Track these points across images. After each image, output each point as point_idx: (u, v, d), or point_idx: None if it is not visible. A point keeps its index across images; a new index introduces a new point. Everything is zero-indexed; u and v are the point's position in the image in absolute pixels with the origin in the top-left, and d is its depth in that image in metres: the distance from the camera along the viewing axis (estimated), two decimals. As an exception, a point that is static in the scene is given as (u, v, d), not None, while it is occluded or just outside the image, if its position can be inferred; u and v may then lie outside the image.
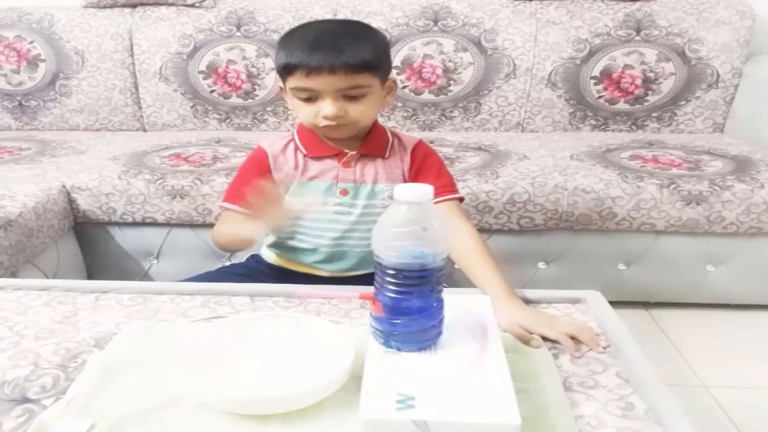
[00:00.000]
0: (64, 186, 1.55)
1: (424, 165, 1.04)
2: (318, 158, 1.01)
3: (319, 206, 0.99)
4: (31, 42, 2.04)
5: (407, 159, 1.04)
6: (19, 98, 2.08)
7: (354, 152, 1.01)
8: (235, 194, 1.03)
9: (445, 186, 1.02)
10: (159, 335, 0.72)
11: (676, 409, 0.59)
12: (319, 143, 1.02)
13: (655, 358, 0.68)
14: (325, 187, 1.01)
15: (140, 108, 2.08)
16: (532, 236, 1.56)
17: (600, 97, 1.97)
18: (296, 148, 1.03)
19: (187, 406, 0.58)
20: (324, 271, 1.04)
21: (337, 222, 1.01)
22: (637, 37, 1.92)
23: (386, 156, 1.03)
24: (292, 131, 1.06)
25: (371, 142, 1.02)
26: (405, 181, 1.04)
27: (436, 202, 0.97)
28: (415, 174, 1.04)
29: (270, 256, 1.11)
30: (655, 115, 1.98)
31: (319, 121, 0.93)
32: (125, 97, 2.06)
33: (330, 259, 1.04)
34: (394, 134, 1.07)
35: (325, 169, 1.01)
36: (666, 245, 1.57)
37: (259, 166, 1.03)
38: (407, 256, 0.58)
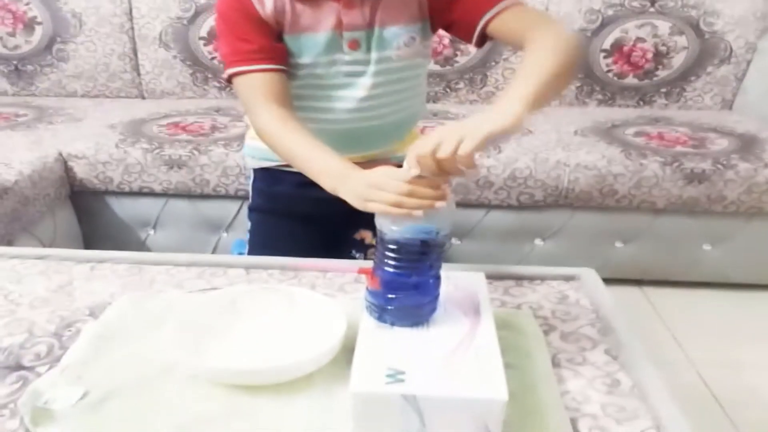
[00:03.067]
0: (60, 154, 1.55)
1: None
2: None
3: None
4: (27, 3, 2.01)
5: None
6: (15, 62, 2.07)
7: None
8: (242, 54, 0.79)
9: None
10: (153, 306, 0.73)
11: (660, 386, 0.60)
12: None
13: (645, 335, 0.69)
14: (326, 41, 0.79)
15: (139, 74, 2.07)
16: (530, 212, 1.57)
17: (609, 71, 1.95)
18: None
19: (180, 377, 0.60)
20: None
21: (350, 87, 0.82)
22: (652, 9, 1.89)
23: None
24: None
25: None
26: (426, 17, 0.83)
27: (492, 18, 0.78)
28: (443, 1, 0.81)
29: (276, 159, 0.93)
30: (663, 90, 1.96)
31: None
32: (124, 63, 2.05)
33: (346, 141, 0.84)
34: None
35: (323, 15, 0.79)
36: (664, 224, 1.58)
37: (245, 11, 0.78)
38: (410, 231, 0.59)
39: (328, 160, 0.73)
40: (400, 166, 0.62)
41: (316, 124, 0.85)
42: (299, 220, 1.00)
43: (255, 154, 1.02)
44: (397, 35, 0.82)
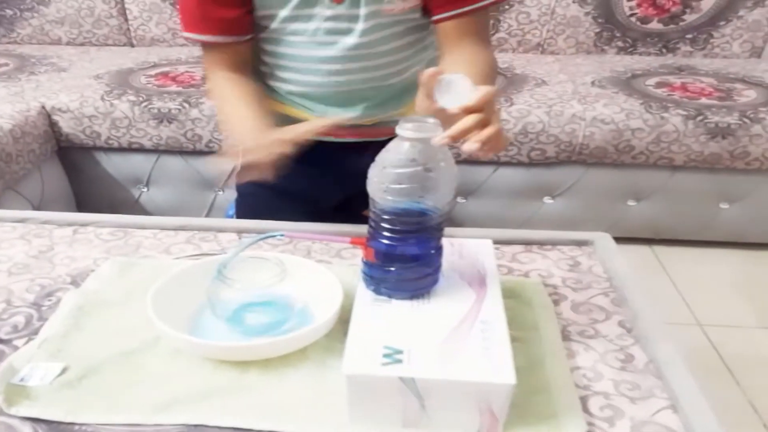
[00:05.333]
0: (43, 107, 1.51)
1: None
2: None
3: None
4: (3, -57, 1.94)
5: None
6: (-8, 7, 2.01)
7: None
8: (197, 21, 0.75)
9: None
10: (139, 273, 0.71)
11: (678, 361, 0.58)
12: None
13: (654, 296, 0.67)
14: None
15: (126, 20, 2.01)
16: (541, 169, 1.54)
17: (632, 14, 1.87)
18: None
19: (165, 351, 0.58)
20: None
21: (332, 46, 0.76)
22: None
23: None
24: None
25: None
26: None
27: (455, 15, 0.76)
28: None
29: None
30: (689, 36, 1.89)
31: None
32: (109, 6, 1.98)
33: (330, 102, 0.82)
34: None
35: None
36: (681, 181, 1.55)
37: None
38: (407, 201, 0.55)
39: (248, 118, 0.72)
40: None
41: (294, 86, 0.82)
42: (293, 198, 0.94)
43: None
44: None
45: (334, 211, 0.96)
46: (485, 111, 0.55)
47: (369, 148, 0.88)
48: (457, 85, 0.57)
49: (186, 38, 0.78)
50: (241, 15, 0.76)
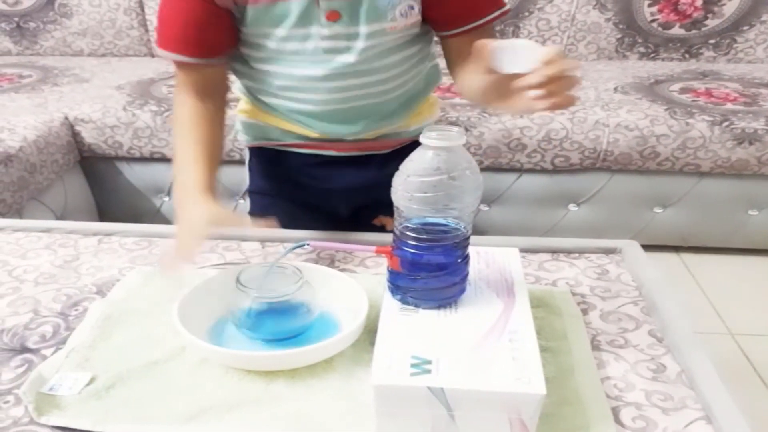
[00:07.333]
0: (66, 118, 1.54)
1: None
2: None
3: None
4: (27, -43, 1.99)
5: None
6: (16, 19, 2.05)
7: None
8: (172, 40, 0.73)
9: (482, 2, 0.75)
10: (164, 283, 0.72)
11: (711, 371, 0.58)
12: None
13: (682, 303, 0.66)
14: (300, 11, 0.71)
15: (147, 31, 2.04)
16: (565, 176, 1.53)
17: (653, 20, 1.86)
18: None
19: (191, 361, 0.59)
20: (331, 135, 0.85)
21: (330, 64, 0.75)
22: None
23: None
24: None
25: None
26: None
27: (467, 30, 0.76)
28: None
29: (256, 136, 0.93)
30: (712, 42, 1.87)
31: None
32: (130, 18, 2.01)
33: (333, 120, 0.83)
34: None
35: None
36: (708, 188, 1.53)
37: None
38: (432, 210, 0.55)
39: (190, 177, 0.71)
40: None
41: (293, 103, 0.82)
42: (305, 208, 0.95)
43: (249, 132, 0.93)
44: (393, 4, 0.72)
45: (345, 221, 0.97)
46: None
47: (372, 161, 0.91)
48: (523, 48, 0.56)
49: (162, 56, 0.75)
50: (226, 38, 0.75)
